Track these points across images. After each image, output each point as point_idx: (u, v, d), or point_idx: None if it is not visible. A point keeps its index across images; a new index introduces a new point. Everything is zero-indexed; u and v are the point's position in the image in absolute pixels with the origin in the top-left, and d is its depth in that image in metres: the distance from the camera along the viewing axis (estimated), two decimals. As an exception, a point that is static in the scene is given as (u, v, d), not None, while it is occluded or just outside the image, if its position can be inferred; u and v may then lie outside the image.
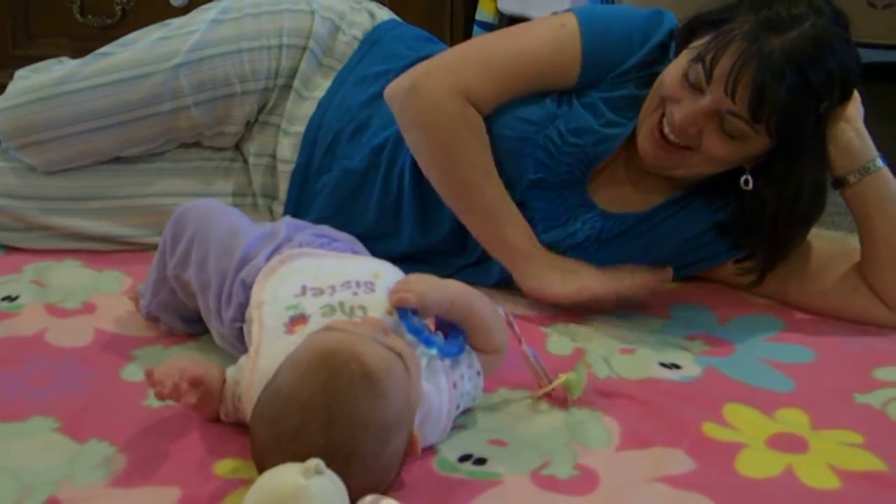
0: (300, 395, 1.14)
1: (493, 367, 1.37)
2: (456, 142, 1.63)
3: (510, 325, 1.39)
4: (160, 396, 1.26)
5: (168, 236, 1.48)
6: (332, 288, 1.34)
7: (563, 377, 1.40)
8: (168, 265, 1.48)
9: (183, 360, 1.30)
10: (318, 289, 1.34)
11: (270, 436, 1.15)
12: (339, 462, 1.11)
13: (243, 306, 1.37)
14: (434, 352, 1.28)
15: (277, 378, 1.18)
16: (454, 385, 1.30)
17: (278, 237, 1.45)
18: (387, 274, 1.39)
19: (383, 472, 1.17)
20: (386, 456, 1.16)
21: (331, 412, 1.13)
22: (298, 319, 1.30)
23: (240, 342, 1.38)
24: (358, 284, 1.34)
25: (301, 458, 1.08)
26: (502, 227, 1.64)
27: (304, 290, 1.34)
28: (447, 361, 1.30)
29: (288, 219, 1.55)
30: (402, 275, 1.40)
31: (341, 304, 1.31)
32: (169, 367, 1.27)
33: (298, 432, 1.13)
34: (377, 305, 1.31)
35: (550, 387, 1.40)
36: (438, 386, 1.27)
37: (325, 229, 1.53)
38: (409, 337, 1.28)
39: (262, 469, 1.13)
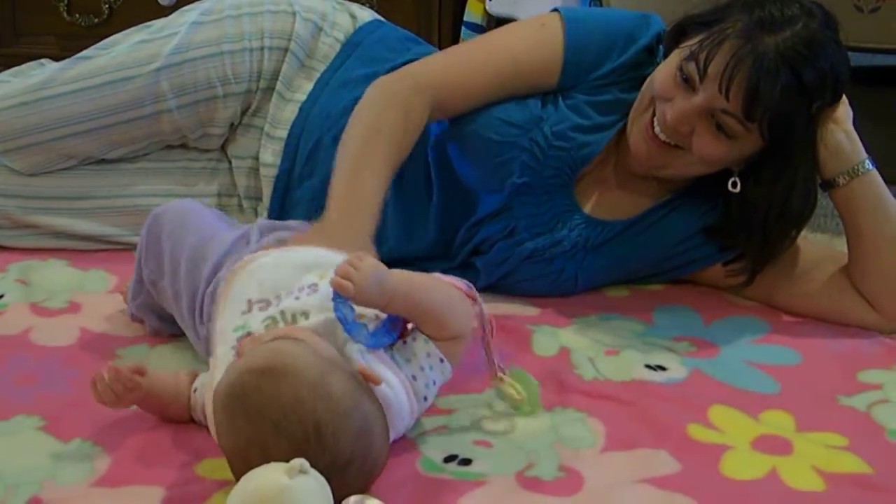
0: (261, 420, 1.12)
1: (456, 351, 1.32)
2: (381, 121, 1.59)
3: (474, 299, 1.34)
4: (97, 400, 1.27)
5: (143, 241, 1.48)
6: (278, 297, 1.30)
7: (511, 384, 1.37)
8: (143, 270, 1.47)
9: (128, 366, 1.29)
10: (264, 300, 1.30)
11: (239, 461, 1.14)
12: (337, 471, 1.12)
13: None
14: (359, 342, 1.24)
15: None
16: (413, 377, 1.26)
17: (249, 244, 1.43)
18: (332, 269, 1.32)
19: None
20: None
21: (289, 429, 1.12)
22: (245, 339, 1.26)
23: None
24: (301, 289, 1.30)
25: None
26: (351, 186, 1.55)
27: (249, 305, 1.30)
28: (397, 356, 1.27)
29: (261, 221, 1.54)
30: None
31: (282, 313, 1.27)
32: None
33: (265, 449, 1.11)
34: (321, 305, 1.26)
35: (499, 382, 1.37)
36: (385, 378, 1.23)
37: (297, 225, 1.51)
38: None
39: None
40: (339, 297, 1.23)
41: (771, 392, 1.48)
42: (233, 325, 1.28)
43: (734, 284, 1.71)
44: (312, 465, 1.09)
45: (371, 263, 1.23)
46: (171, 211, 1.48)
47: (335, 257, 1.32)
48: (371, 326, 1.26)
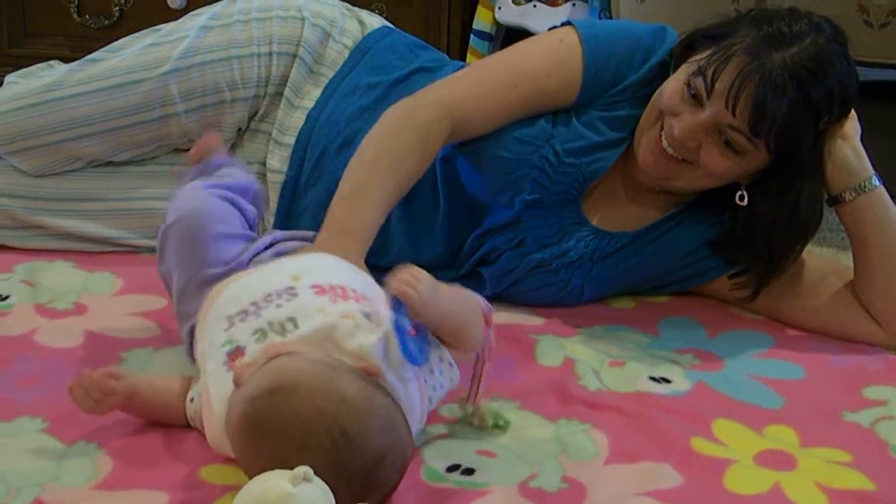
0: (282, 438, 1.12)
1: (459, 357, 1.32)
2: (396, 147, 1.57)
3: (488, 324, 1.33)
4: (78, 407, 1.27)
5: (157, 248, 1.46)
6: (255, 305, 1.27)
7: (486, 414, 1.36)
8: (159, 267, 1.47)
9: (101, 371, 1.28)
10: (242, 311, 1.27)
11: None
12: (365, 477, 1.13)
13: None
14: (405, 357, 1.22)
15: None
16: (424, 380, 1.26)
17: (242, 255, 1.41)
18: (310, 270, 1.31)
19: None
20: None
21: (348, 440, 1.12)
22: (235, 353, 1.24)
23: None
24: (279, 295, 1.26)
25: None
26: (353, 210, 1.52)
27: (230, 321, 1.27)
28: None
29: (277, 233, 1.51)
30: (332, 263, 1.35)
31: (270, 323, 1.24)
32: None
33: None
34: (305, 310, 1.24)
35: (468, 409, 1.36)
36: (405, 378, 1.23)
37: (312, 235, 1.50)
38: (389, 327, 1.22)
39: None
40: (399, 305, 1.21)
41: (775, 407, 1.48)
42: (220, 342, 1.26)
43: (740, 297, 1.71)
44: (347, 469, 1.11)
45: (429, 277, 1.23)
46: (180, 224, 1.41)
47: (315, 258, 1.34)
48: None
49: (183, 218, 1.42)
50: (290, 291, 1.27)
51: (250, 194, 1.49)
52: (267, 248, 1.44)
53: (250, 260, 1.40)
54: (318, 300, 1.26)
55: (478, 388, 1.36)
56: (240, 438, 1.16)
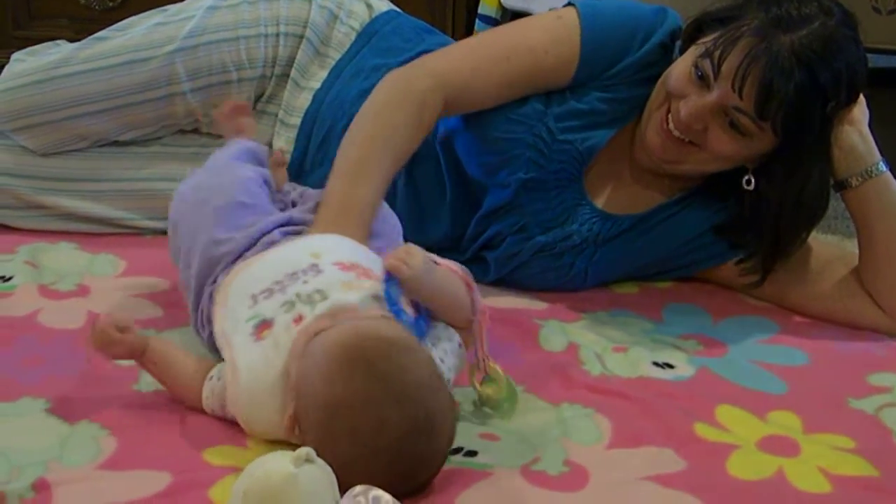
0: (355, 398, 1.14)
1: (466, 340, 1.34)
2: (392, 121, 1.56)
3: (469, 286, 1.33)
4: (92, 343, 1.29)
5: (169, 223, 1.48)
6: (279, 283, 1.29)
7: (491, 378, 1.36)
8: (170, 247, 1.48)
9: (115, 318, 1.29)
10: (266, 290, 1.29)
11: (368, 450, 1.14)
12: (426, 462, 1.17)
13: None
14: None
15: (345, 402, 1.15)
16: (441, 360, 1.27)
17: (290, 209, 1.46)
18: (329, 250, 1.34)
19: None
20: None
21: (432, 421, 1.16)
22: (262, 325, 1.26)
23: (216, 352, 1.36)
24: (304, 272, 1.29)
25: (394, 467, 1.13)
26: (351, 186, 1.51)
27: (254, 299, 1.29)
28: (426, 340, 1.28)
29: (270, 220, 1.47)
30: (346, 244, 1.37)
31: (297, 295, 1.27)
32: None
33: (380, 428, 1.13)
34: (331, 283, 1.27)
35: (479, 374, 1.36)
36: None
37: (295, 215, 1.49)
38: (384, 304, 1.26)
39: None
40: (391, 278, 1.25)
41: (778, 392, 1.48)
42: (244, 318, 1.28)
43: (745, 283, 1.70)
44: (417, 448, 1.14)
45: (423, 253, 1.27)
46: (189, 198, 1.44)
47: (330, 239, 1.36)
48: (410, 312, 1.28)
49: (187, 193, 1.46)
50: (315, 268, 1.30)
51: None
52: (278, 227, 1.43)
53: (260, 237, 1.40)
54: (343, 275, 1.29)
55: (482, 343, 1.35)
56: (337, 361, 1.16)
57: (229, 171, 1.47)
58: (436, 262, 1.31)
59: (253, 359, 1.24)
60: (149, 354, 1.30)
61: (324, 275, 1.29)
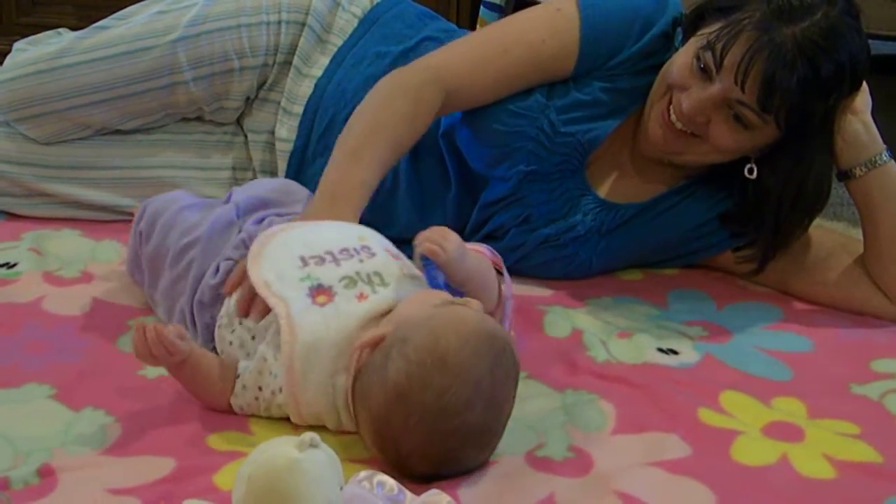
0: (472, 373, 1.17)
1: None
2: (387, 115, 1.57)
3: (500, 271, 1.37)
4: (135, 353, 1.27)
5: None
6: (331, 255, 1.32)
7: None
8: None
9: (172, 328, 1.28)
10: (317, 256, 1.32)
11: (436, 405, 1.15)
12: (483, 441, 1.21)
13: (210, 326, 1.38)
14: None
15: (441, 349, 1.17)
16: None
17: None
18: (372, 235, 1.39)
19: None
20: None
21: (493, 395, 1.18)
22: (318, 290, 1.28)
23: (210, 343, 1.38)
24: (356, 251, 1.33)
25: (456, 434, 1.16)
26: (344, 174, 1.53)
27: (304, 261, 1.31)
28: None
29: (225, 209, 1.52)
30: (382, 239, 1.40)
31: (358, 273, 1.30)
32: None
33: (464, 408, 1.16)
34: (389, 269, 1.31)
35: None
36: None
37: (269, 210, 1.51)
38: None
39: (387, 445, 1.18)
40: (431, 264, 1.27)
41: (783, 379, 1.47)
42: (297, 277, 1.30)
43: (746, 271, 1.70)
44: (467, 428, 1.17)
45: (457, 237, 1.28)
46: (154, 206, 1.53)
47: (364, 227, 1.40)
48: None
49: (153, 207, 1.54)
50: (367, 250, 1.34)
51: None
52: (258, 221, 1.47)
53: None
54: (396, 263, 1.33)
55: (508, 318, 1.38)
56: (471, 341, 1.18)
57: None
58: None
59: (313, 322, 1.26)
60: (189, 363, 1.29)
61: (378, 258, 1.33)
